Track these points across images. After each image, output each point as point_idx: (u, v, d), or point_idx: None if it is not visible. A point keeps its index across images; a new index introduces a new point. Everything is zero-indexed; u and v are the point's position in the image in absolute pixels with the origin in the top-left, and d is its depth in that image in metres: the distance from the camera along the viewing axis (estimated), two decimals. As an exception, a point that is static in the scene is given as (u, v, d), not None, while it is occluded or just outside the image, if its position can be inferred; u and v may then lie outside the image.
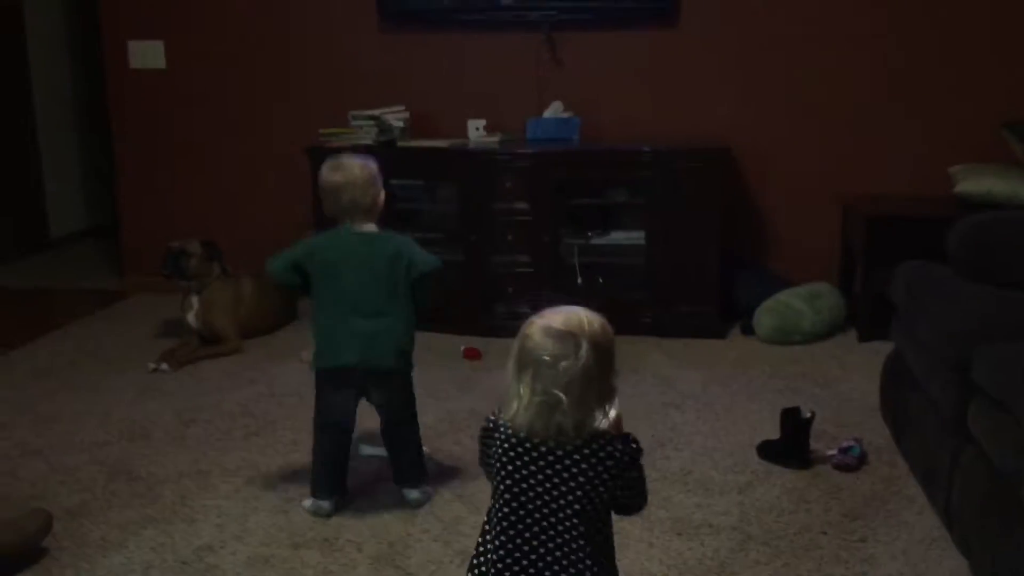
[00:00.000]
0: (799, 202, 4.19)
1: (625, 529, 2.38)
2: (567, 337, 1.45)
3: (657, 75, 4.22)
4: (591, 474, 1.46)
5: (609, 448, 1.47)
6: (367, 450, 2.87)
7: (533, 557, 1.49)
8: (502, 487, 1.52)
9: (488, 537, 1.56)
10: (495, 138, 4.13)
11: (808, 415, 2.76)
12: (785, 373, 3.49)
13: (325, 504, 2.53)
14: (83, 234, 6.09)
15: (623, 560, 2.20)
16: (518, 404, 1.46)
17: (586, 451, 1.47)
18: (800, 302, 3.86)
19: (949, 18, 3.98)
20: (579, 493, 1.46)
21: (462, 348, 3.77)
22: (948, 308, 2.37)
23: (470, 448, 2.89)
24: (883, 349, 3.08)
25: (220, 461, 2.86)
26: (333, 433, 2.55)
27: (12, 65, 5.56)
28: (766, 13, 4.11)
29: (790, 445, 2.76)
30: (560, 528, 1.48)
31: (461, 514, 2.51)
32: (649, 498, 2.44)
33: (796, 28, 4.10)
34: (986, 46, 3.98)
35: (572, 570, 1.47)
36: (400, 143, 4.14)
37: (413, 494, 2.57)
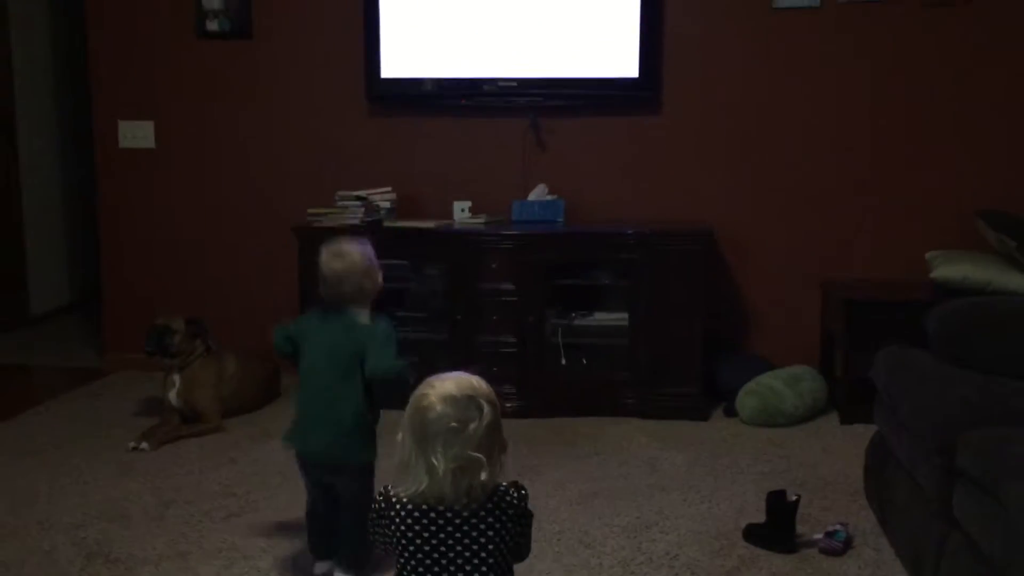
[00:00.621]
0: (780, 286, 4.26)
1: (612, 614, 2.37)
2: (468, 401, 1.52)
3: (640, 160, 4.32)
4: (498, 526, 1.52)
5: (508, 497, 1.54)
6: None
7: None
8: (412, 562, 1.53)
9: None
10: (480, 219, 4.19)
11: (794, 498, 2.76)
12: (768, 455, 3.50)
13: (314, 566, 2.55)
14: (66, 309, 6.06)
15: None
16: (430, 476, 1.49)
17: (490, 506, 1.52)
18: (782, 385, 3.89)
19: (924, 109, 4.12)
20: (491, 547, 1.51)
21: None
22: (930, 394, 2.41)
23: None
24: (864, 432, 3.10)
25: (200, 543, 2.81)
26: (308, 501, 2.61)
27: None
28: (747, 101, 4.23)
29: (776, 529, 2.75)
30: None
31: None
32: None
33: (777, 116, 4.22)
34: (960, 135, 4.11)
35: None
36: (387, 223, 4.18)
37: None
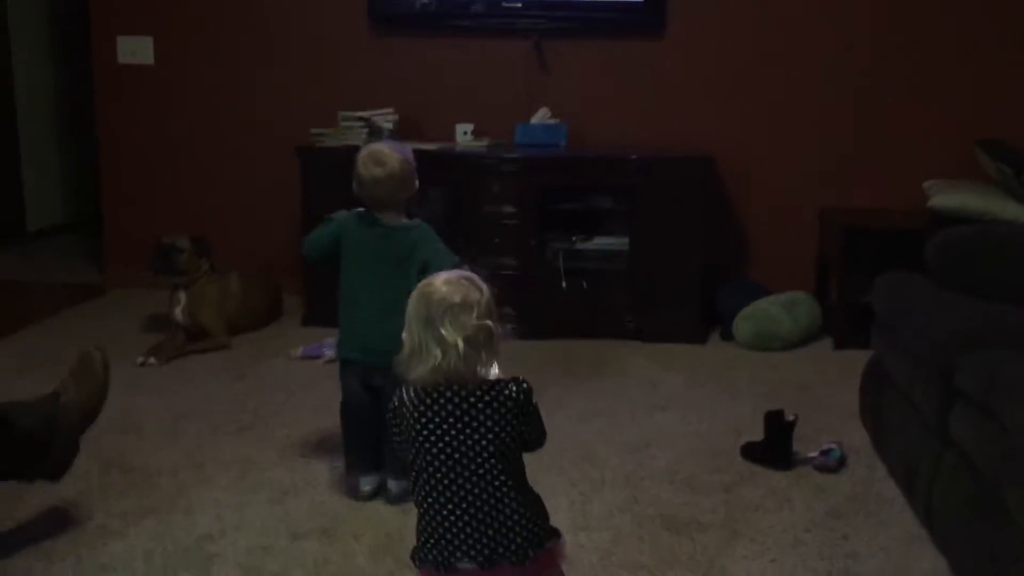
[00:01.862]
0: (778, 213, 4.31)
1: (616, 524, 2.46)
2: (466, 280, 1.64)
3: (643, 84, 4.31)
4: (496, 418, 1.61)
5: (507, 390, 1.63)
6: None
7: (461, 496, 1.62)
8: (425, 446, 1.63)
9: (422, 509, 1.67)
10: (483, 142, 4.20)
11: (791, 418, 2.84)
12: (765, 378, 3.59)
13: (359, 482, 2.57)
14: (60, 228, 6.06)
15: (616, 554, 2.28)
16: (442, 348, 1.58)
17: (487, 397, 1.61)
18: (778, 309, 3.96)
19: (925, 38, 4.12)
20: (491, 436, 1.61)
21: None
22: (931, 317, 2.47)
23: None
24: (858, 356, 3.18)
25: (214, 454, 2.89)
26: (350, 413, 2.61)
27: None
28: (751, 27, 4.22)
29: (773, 447, 2.84)
30: (481, 469, 1.62)
31: (456, 508, 2.56)
32: (637, 495, 2.54)
33: (780, 43, 4.21)
34: (960, 65, 4.12)
35: (493, 502, 1.62)
36: (389, 145, 4.18)
37: (396, 486, 2.55)
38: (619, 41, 4.31)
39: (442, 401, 1.61)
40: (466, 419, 1.61)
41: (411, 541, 2.35)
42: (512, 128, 4.24)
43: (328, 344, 3.78)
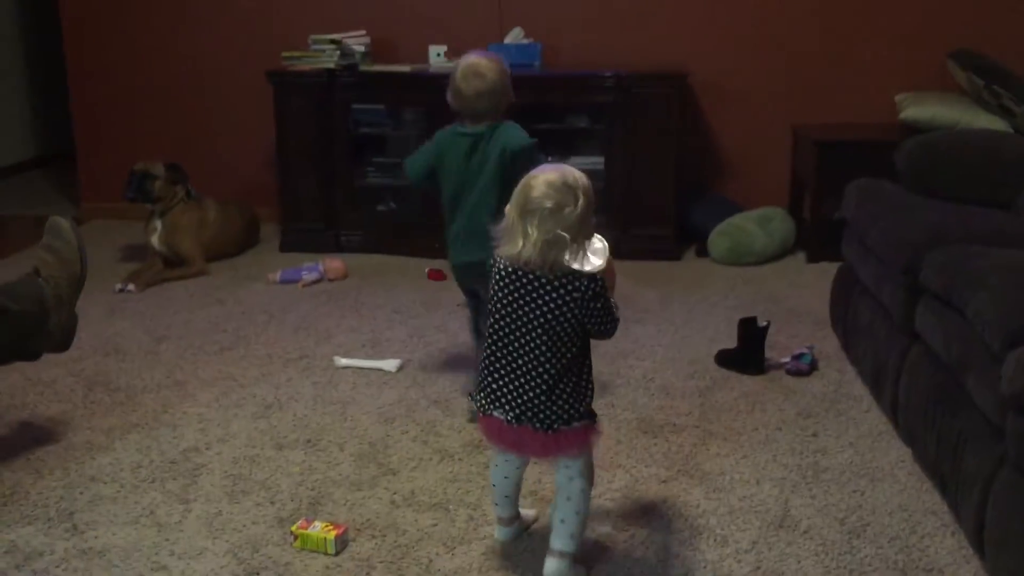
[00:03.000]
0: (752, 130, 4.32)
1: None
2: (566, 189, 1.74)
3: (617, 2, 4.28)
4: (559, 302, 1.76)
5: (576, 283, 1.76)
6: (341, 361, 2.97)
7: (509, 360, 1.82)
8: (495, 307, 1.83)
9: (482, 360, 1.89)
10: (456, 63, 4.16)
11: (764, 324, 2.91)
12: (739, 291, 3.65)
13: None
14: (32, 162, 5.99)
15: (595, 456, 2.34)
16: (524, 241, 1.74)
17: (557, 283, 1.76)
18: (752, 225, 4.00)
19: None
20: (557, 315, 1.77)
21: (427, 270, 3.85)
22: (898, 218, 2.52)
23: (440, 360, 3.01)
24: (830, 269, 3.24)
25: (196, 373, 2.92)
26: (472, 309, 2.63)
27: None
28: (723, -58, 4.19)
29: (747, 353, 2.91)
30: (531, 344, 1.79)
31: (437, 417, 2.62)
32: (615, 400, 2.60)
33: (752, -42, 4.18)
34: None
35: (534, 374, 1.80)
36: (362, 67, 4.15)
37: None
38: (591, -41, 4.27)
39: (518, 280, 1.78)
40: (530, 300, 1.77)
41: (393, 450, 2.45)
42: (485, 48, 4.20)
43: (306, 268, 3.81)
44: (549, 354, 1.78)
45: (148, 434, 2.53)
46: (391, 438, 2.51)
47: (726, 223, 4.02)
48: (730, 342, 3.00)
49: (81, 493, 2.24)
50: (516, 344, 1.80)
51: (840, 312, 3.01)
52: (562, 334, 1.78)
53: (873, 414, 2.60)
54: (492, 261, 1.84)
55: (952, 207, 2.55)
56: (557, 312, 1.76)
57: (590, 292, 1.75)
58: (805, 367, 2.87)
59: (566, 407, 1.80)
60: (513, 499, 2.02)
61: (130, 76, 4.60)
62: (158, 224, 3.89)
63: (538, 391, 1.79)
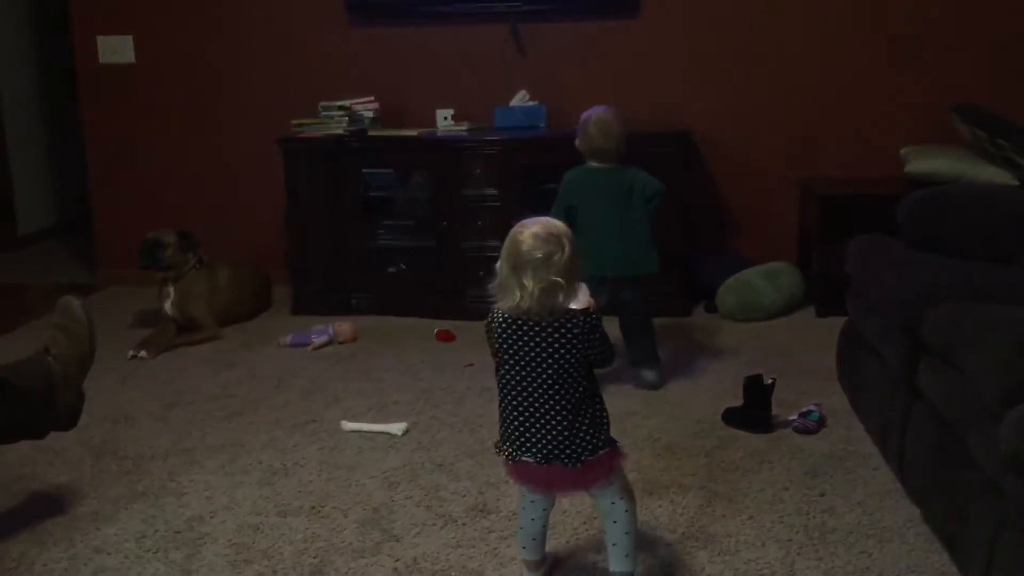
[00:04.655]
0: (758, 184, 4.35)
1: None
2: (552, 239, 1.86)
3: (620, 63, 4.35)
4: (562, 340, 1.87)
5: (574, 320, 1.88)
6: (348, 425, 2.98)
7: (526, 405, 1.91)
8: (503, 358, 1.93)
9: (501, 410, 1.98)
10: (463, 126, 4.24)
11: (769, 381, 2.89)
12: (747, 346, 3.64)
13: (642, 373, 3.22)
14: (52, 230, 6.10)
15: (599, 517, 2.33)
16: (521, 293, 1.85)
17: (556, 324, 1.87)
18: (760, 280, 4.01)
19: (899, 6, 4.15)
20: (563, 352, 1.87)
21: (435, 331, 3.87)
22: (899, 275, 2.52)
23: (446, 423, 3.01)
24: (839, 324, 3.22)
25: (204, 439, 2.94)
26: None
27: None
28: (724, 3, 4.25)
29: (753, 411, 2.89)
30: (544, 386, 1.90)
31: (441, 482, 2.62)
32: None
33: (753, 16, 4.24)
34: (934, 32, 4.15)
35: (553, 412, 1.90)
36: (371, 132, 4.23)
37: (649, 375, 3.22)
38: (594, 21, 4.34)
39: (519, 329, 1.88)
40: (535, 345, 1.88)
41: (397, 515, 2.44)
42: (492, 112, 4.28)
43: (316, 331, 3.84)
44: (563, 391, 1.89)
45: (154, 503, 2.54)
46: (395, 503, 2.51)
47: (734, 279, 4.03)
48: (738, 399, 2.99)
49: (85, 565, 2.25)
50: (530, 389, 1.90)
51: (847, 368, 2.99)
52: (570, 369, 1.88)
53: (882, 472, 2.57)
54: (489, 318, 1.93)
55: (953, 263, 2.55)
56: (563, 350, 1.87)
57: (588, 325, 1.87)
58: (813, 424, 2.85)
59: (588, 438, 1.91)
60: (540, 542, 2.08)
61: (144, 144, 4.71)
62: (171, 290, 3.94)
63: (560, 428, 1.90)
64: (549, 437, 1.91)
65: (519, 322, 1.88)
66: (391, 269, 4.31)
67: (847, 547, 2.22)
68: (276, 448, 2.86)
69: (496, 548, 2.26)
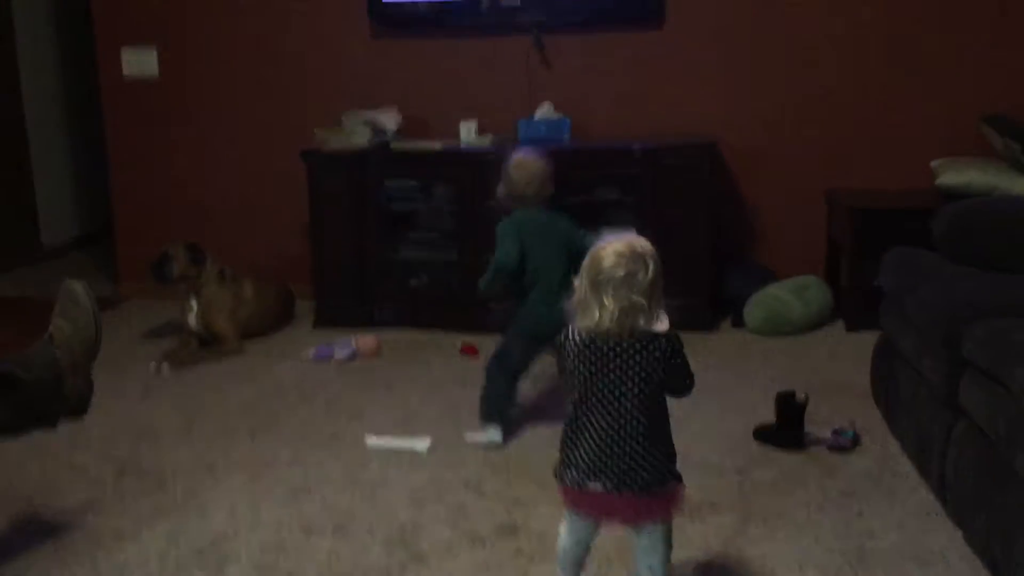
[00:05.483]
0: (785, 196, 4.28)
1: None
2: (636, 257, 1.81)
3: (644, 75, 4.30)
4: (645, 363, 1.80)
5: (656, 342, 1.81)
6: (372, 441, 2.94)
7: (599, 429, 1.83)
8: (577, 380, 1.84)
9: (569, 435, 1.88)
10: (487, 139, 4.20)
11: (802, 398, 2.83)
12: (776, 361, 3.58)
13: (497, 432, 2.90)
14: (75, 242, 6.11)
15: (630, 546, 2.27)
16: (601, 312, 1.79)
17: (639, 345, 1.80)
18: (788, 294, 3.94)
19: (929, 15, 4.09)
20: (641, 377, 1.80)
21: (459, 345, 3.83)
22: (937, 289, 2.46)
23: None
24: (870, 338, 3.16)
25: (227, 455, 2.90)
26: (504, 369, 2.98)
27: (1, 73, 5.58)
28: (750, 10, 4.20)
29: (785, 428, 2.83)
30: (622, 409, 1.82)
31: (468, 500, 2.57)
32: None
33: (779, 24, 4.19)
34: (964, 42, 4.08)
35: (629, 439, 1.82)
36: (394, 145, 4.20)
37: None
38: (619, 32, 4.30)
39: (597, 349, 1.81)
40: (616, 367, 1.80)
41: (424, 534, 2.39)
42: (515, 124, 4.25)
43: (339, 345, 3.81)
44: (641, 416, 1.82)
45: (177, 521, 2.50)
46: (421, 522, 2.46)
47: (762, 293, 3.96)
48: (768, 416, 2.93)
49: (107, 584, 2.21)
50: (605, 412, 1.82)
51: (881, 384, 2.92)
52: (649, 393, 1.82)
53: (920, 492, 2.50)
54: (563, 336, 1.87)
55: (991, 276, 2.48)
56: (643, 373, 1.80)
57: (670, 350, 1.82)
58: (847, 442, 2.79)
59: (660, 467, 1.85)
60: (580, 566, 2.01)
61: (167, 157, 4.70)
62: (193, 303, 3.92)
63: (636, 454, 1.83)
64: (625, 463, 1.82)
65: (596, 342, 1.81)
66: (414, 282, 4.28)
67: (887, 571, 2.16)
68: (300, 464, 2.82)
69: (526, 570, 2.21)
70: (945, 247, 2.70)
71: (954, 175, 3.80)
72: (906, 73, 4.14)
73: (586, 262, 1.83)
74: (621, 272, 1.77)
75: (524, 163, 3.03)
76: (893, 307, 2.75)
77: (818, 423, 2.90)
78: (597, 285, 1.79)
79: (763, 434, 2.86)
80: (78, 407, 2.37)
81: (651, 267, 1.80)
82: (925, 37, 4.11)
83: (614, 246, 1.81)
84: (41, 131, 5.88)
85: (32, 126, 5.80)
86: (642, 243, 1.84)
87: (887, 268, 2.81)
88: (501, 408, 2.95)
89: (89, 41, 4.78)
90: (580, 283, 1.82)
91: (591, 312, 1.79)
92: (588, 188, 4.12)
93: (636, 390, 1.80)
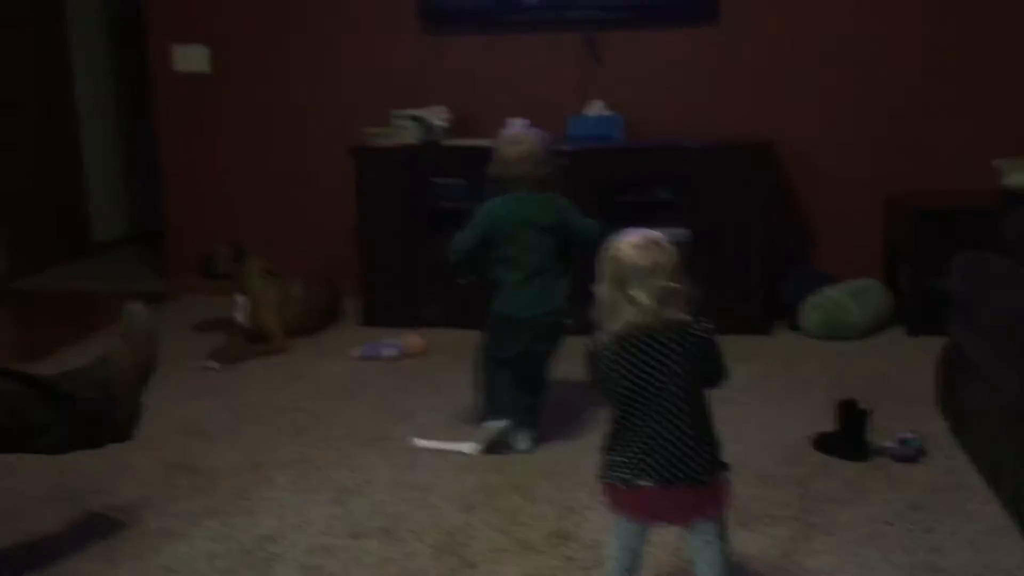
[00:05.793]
0: (841, 198, 4.18)
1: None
2: (653, 245, 1.76)
3: (699, 72, 4.22)
4: (682, 356, 1.75)
5: (692, 329, 1.77)
6: (419, 443, 2.89)
7: (646, 427, 1.77)
8: (621, 383, 1.77)
9: (614, 435, 1.82)
10: (537, 136, 4.13)
11: (865, 407, 2.73)
12: (835, 367, 3.47)
13: (501, 422, 2.77)
14: (126, 239, 6.16)
15: (685, 550, 2.20)
16: (634, 308, 1.73)
17: (676, 336, 1.75)
18: (846, 298, 3.84)
19: (992, 11, 3.96)
20: (675, 374, 1.75)
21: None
22: (1012, 296, 2.35)
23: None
24: (933, 343, 3.05)
25: (275, 455, 2.88)
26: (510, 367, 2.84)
27: (55, 69, 5.64)
28: (807, 9, 4.10)
29: (847, 437, 2.74)
30: (666, 402, 1.76)
31: (519, 505, 2.51)
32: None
33: (838, 22, 4.08)
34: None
35: (678, 432, 1.76)
36: (443, 142, 4.16)
37: (522, 442, 2.80)
38: (672, 30, 4.22)
39: (635, 348, 1.75)
40: (655, 361, 1.75)
41: (474, 540, 2.34)
42: (565, 121, 4.18)
43: (386, 344, 3.77)
44: (687, 407, 1.77)
45: (225, 521, 2.47)
46: (471, 527, 2.41)
47: (819, 296, 3.86)
48: (828, 423, 2.83)
49: (154, 584, 2.19)
50: (650, 411, 1.77)
51: (948, 394, 2.82)
52: (692, 382, 1.78)
53: (992, 507, 2.40)
54: (591, 347, 1.81)
55: (1071, 282, 2.37)
56: (686, 363, 1.75)
57: (707, 336, 1.78)
58: (912, 452, 2.68)
59: (710, 458, 1.81)
60: (632, 573, 1.93)
61: (217, 154, 4.71)
62: (242, 300, 3.92)
63: (684, 447, 1.77)
64: (674, 457, 1.77)
65: (632, 339, 1.75)
66: (462, 281, 4.22)
67: (958, 589, 2.06)
68: (347, 465, 2.79)
69: (579, 579, 2.15)
70: (1017, 252, 2.59)
71: (1020, 175, 3.67)
72: (968, 68, 4.01)
73: (603, 265, 1.78)
74: (645, 262, 1.73)
75: (517, 138, 2.79)
76: (962, 314, 2.64)
77: (881, 432, 2.80)
78: (622, 282, 1.74)
79: (824, 443, 2.77)
80: (125, 430, 2.35)
81: (670, 250, 1.77)
82: (984, 36, 3.98)
83: (627, 241, 1.78)
84: (94, 129, 5.94)
85: (86, 124, 5.86)
86: (653, 232, 1.80)
87: (956, 272, 2.70)
88: (498, 400, 2.84)
89: (141, 40, 4.79)
90: (601, 287, 1.77)
91: (622, 311, 1.75)
92: (641, 187, 4.05)
93: (675, 385, 1.76)
